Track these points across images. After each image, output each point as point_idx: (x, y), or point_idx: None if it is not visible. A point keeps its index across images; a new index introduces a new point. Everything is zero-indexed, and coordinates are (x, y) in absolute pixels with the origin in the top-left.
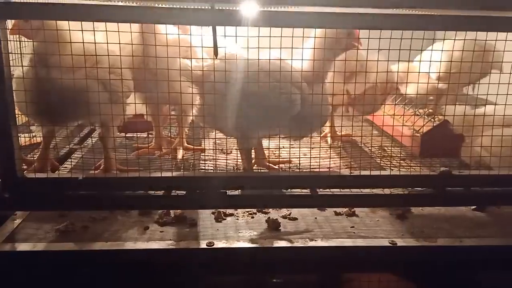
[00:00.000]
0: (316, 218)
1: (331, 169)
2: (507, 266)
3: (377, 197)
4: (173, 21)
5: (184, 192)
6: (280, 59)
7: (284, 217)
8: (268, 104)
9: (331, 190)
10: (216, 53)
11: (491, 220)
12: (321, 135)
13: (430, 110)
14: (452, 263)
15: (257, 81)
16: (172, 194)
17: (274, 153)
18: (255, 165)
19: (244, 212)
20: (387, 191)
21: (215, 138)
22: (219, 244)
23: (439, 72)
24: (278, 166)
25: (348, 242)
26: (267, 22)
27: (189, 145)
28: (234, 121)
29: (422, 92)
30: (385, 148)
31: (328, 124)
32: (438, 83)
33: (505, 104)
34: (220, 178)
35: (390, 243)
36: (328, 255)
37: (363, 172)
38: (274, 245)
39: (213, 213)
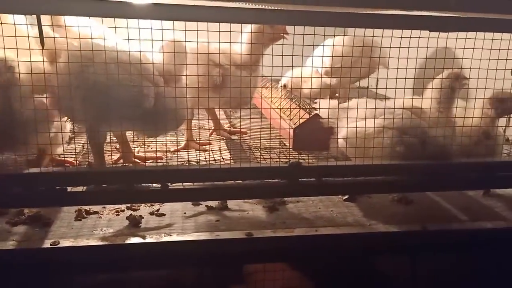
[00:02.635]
0: (185, 213)
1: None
2: (361, 253)
3: (227, 190)
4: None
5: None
6: (129, 51)
7: (151, 213)
8: (117, 96)
9: (184, 184)
10: (42, 43)
11: (356, 210)
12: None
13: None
14: (311, 251)
15: (105, 71)
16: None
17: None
18: (120, 160)
19: (110, 210)
20: (241, 183)
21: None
22: (65, 243)
23: (323, 67)
24: (156, 161)
25: (203, 236)
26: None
27: None
28: (80, 112)
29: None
30: (266, 141)
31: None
32: (322, 77)
33: (375, 98)
34: (59, 174)
35: (246, 235)
36: (182, 250)
37: (213, 166)
38: (126, 242)
39: (75, 211)
